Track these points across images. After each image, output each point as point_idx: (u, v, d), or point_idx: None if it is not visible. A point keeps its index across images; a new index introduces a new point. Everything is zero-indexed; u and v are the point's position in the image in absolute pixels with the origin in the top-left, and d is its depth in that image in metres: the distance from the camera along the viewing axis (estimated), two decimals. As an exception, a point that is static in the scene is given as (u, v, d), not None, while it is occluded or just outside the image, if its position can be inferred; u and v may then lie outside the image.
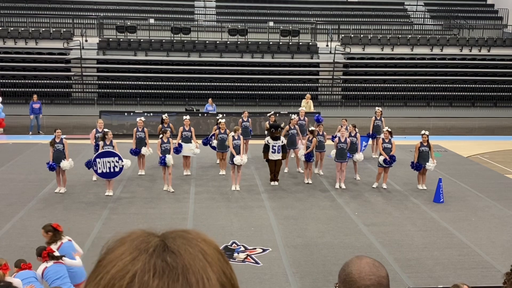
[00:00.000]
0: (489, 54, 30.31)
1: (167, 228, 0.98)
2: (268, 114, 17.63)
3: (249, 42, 29.12)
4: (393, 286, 1.88)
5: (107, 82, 26.83)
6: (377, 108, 18.10)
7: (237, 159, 13.93)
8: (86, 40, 28.12)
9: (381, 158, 14.38)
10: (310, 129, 15.15)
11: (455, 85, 28.26)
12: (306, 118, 17.55)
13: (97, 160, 13.28)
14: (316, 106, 24.27)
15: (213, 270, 0.90)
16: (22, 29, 28.27)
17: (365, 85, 28.08)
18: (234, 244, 10.49)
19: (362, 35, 30.47)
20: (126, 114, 21.62)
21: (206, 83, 27.03)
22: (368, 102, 26.90)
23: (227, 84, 27.04)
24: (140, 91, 26.42)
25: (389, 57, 29.55)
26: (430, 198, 13.68)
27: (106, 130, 14.03)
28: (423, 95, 27.81)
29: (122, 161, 13.40)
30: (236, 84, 27.08)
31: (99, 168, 13.30)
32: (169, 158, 13.60)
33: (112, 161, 13.32)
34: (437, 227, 11.76)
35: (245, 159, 14.19)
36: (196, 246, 0.92)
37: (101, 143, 13.65)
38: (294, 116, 16.75)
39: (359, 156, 15.28)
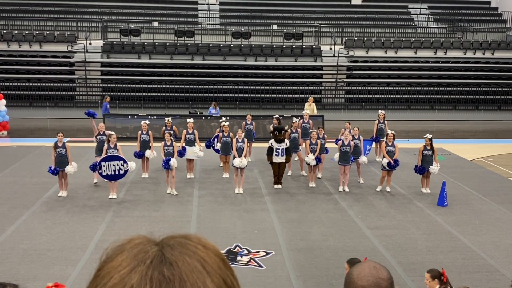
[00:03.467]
0: (493, 57, 30.26)
1: (168, 234, 0.97)
2: (275, 117, 17.63)
3: (253, 45, 29.16)
4: (397, 290, 1.87)
5: (111, 85, 26.88)
6: (379, 111, 18.09)
7: (236, 161, 13.95)
8: (90, 43, 28.21)
9: (385, 161, 14.36)
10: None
11: (459, 88, 28.21)
12: (310, 121, 17.55)
13: (102, 163, 13.29)
14: (320, 109, 24.27)
15: (213, 280, 0.89)
16: (27, 32, 28.38)
17: (369, 88, 28.07)
18: (237, 247, 10.47)
19: (365, 38, 30.47)
20: (129, 117, 21.66)
21: (209, 86, 27.06)
22: (371, 105, 26.87)
23: (231, 87, 27.06)
24: (143, 94, 26.47)
25: (393, 60, 29.54)
26: (434, 202, 13.64)
27: (110, 132, 14.04)
28: (427, 98, 27.76)
29: (127, 164, 13.41)
30: (239, 87, 27.10)
31: (104, 171, 13.31)
32: (173, 161, 13.61)
33: (117, 164, 13.33)
34: (441, 231, 11.72)
35: (245, 162, 14.18)
36: (195, 255, 0.91)
37: (105, 146, 13.67)
38: (295, 119, 16.75)
39: (363, 159, 15.31)
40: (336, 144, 15.11)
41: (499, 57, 30.21)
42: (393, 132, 14.80)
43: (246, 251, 10.32)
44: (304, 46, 29.44)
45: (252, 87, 27.17)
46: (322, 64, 29.09)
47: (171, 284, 0.85)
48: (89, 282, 0.92)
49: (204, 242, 0.96)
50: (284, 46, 29.35)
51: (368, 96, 27.68)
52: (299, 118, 17.37)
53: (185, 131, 15.58)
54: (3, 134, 21.86)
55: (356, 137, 15.29)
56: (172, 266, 0.88)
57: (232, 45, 29.07)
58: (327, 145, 15.60)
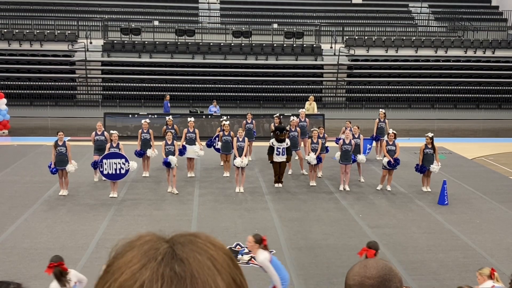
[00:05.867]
0: (493, 56, 30.25)
1: (176, 232, 0.97)
2: (275, 116, 17.62)
3: (253, 44, 29.15)
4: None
5: (112, 84, 26.90)
6: (380, 110, 18.09)
7: (237, 161, 13.96)
8: (90, 42, 28.22)
9: (385, 160, 14.36)
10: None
11: (459, 87, 28.21)
12: (307, 120, 17.55)
13: (104, 161, 13.31)
14: (320, 108, 24.27)
15: (223, 278, 0.89)
16: (27, 31, 28.39)
17: (369, 87, 28.07)
18: (238, 246, 10.48)
19: (366, 37, 30.46)
20: (130, 116, 21.67)
21: (210, 85, 27.07)
22: (372, 104, 26.88)
23: (231, 86, 27.07)
24: (144, 93, 26.49)
25: (393, 59, 29.53)
26: (435, 200, 13.64)
27: (112, 131, 14.06)
28: (428, 97, 27.76)
29: (128, 163, 13.42)
30: (240, 86, 27.11)
31: (105, 169, 13.32)
32: (172, 159, 13.60)
33: (119, 163, 13.33)
34: (442, 229, 11.73)
35: (246, 161, 14.18)
36: (205, 253, 0.91)
37: (107, 145, 13.69)
38: (293, 118, 16.72)
39: (361, 157, 15.27)
40: (337, 144, 15.11)
41: (500, 56, 30.20)
42: (394, 131, 14.80)
43: (246, 250, 10.33)
44: (304, 45, 29.44)
45: (252, 86, 27.18)
46: (322, 63, 29.09)
47: (182, 280, 0.85)
48: (99, 278, 0.92)
49: (213, 240, 0.96)
50: (284, 45, 29.35)
51: (369, 95, 27.68)
52: (296, 116, 17.35)
53: (185, 130, 15.59)
54: (3, 133, 21.88)
55: (356, 136, 15.30)
56: (183, 263, 0.88)
57: (232, 44, 29.06)
58: (327, 144, 15.60)
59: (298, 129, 16.27)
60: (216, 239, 0.97)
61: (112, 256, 0.93)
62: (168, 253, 0.89)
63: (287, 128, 15.81)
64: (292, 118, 16.76)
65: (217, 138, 16.32)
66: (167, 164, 13.68)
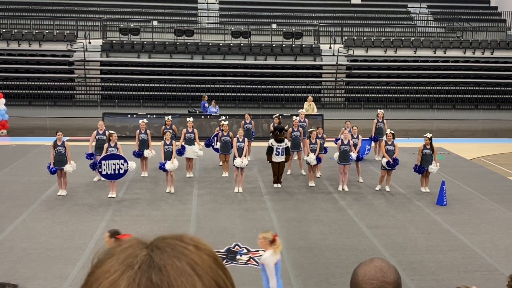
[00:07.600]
0: (492, 57, 30.26)
1: (160, 234, 0.96)
2: (274, 116, 17.61)
3: (252, 44, 29.14)
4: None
5: (111, 84, 26.86)
6: (379, 110, 18.10)
7: (237, 161, 13.96)
8: (89, 42, 28.18)
9: (384, 161, 14.36)
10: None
11: (458, 88, 28.21)
12: (306, 120, 17.54)
13: (102, 162, 13.31)
14: (319, 109, 24.25)
15: (204, 283, 0.88)
16: (26, 31, 28.35)
17: (368, 87, 28.06)
18: (236, 246, 10.48)
19: (365, 37, 30.45)
20: (129, 116, 21.66)
21: (209, 85, 27.05)
22: (371, 105, 26.87)
23: (230, 86, 27.05)
24: (143, 93, 26.46)
25: (392, 60, 29.52)
26: (433, 201, 13.65)
27: (111, 131, 14.05)
28: (426, 97, 27.76)
29: (127, 163, 13.42)
30: (239, 86, 27.09)
31: (104, 170, 13.32)
32: (169, 166, 13.64)
33: (118, 163, 13.34)
34: (440, 230, 11.73)
35: (246, 161, 14.19)
36: (185, 258, 0.89)
37: (105, 145, 13.69)
38: (296, 118, 16.72)
39: (353, 155, 15.02)
40: (336, 144, 15.11)
41: (499, 57, 30.20)
42: (392, 131, 14.79)
43: (245, 250, 10.33)
44: (303, 45, 29.42)
45: (251, 86, 27.16)
46: (321, 63, 29.07)
47: None
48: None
49: (196, 242, 0.94)
50: (283, 45, 29.33)
51: (368, 95, 27.67)
52: (296, 116, 17.34)
53: (184, 130, 15.59)
54: (2, 133, 21.86)
55: (355, 136, 15.29)
56: (161, 271, 0.87)
57: (231, 44, 29.05)
58: (326, 144, 15.59)
59: (300, 129, 16.25)
60: (201, 241, 0.95)
61: (94, 264, 0.93)
62: (145, 261, 0.88)
63: (290, 128, 15.82)
64: (294, 118, 16.76)
65: (215, 138, 16.32)
66: (164, 170, 13.78)
